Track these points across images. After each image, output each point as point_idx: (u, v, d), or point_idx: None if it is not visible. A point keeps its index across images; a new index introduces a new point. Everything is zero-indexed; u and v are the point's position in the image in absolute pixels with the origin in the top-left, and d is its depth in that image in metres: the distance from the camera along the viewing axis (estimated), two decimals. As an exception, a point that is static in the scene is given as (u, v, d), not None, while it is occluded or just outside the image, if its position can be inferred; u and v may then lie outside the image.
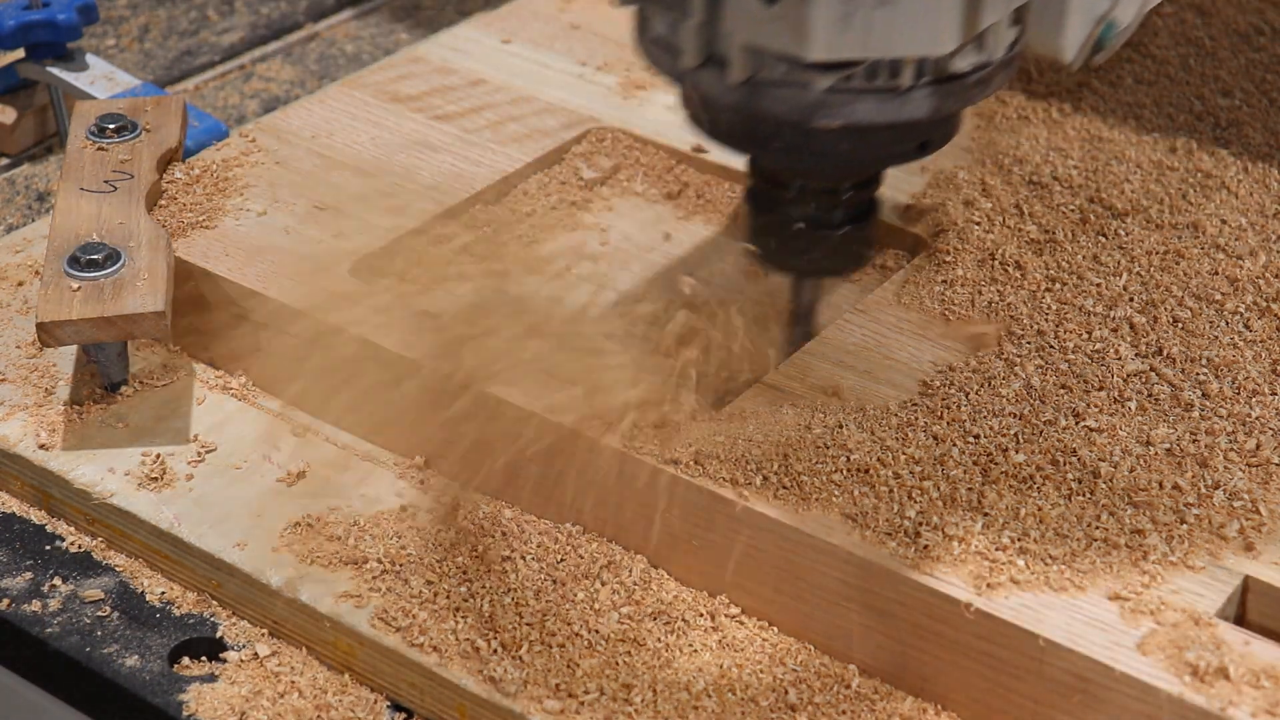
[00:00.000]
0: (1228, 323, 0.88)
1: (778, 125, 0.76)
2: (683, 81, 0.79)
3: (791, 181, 0.82)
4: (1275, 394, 0.84)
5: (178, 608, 0.83)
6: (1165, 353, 0.86)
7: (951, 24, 0.73)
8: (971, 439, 0.81)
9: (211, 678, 0.79)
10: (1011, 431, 0.81)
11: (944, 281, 0.91)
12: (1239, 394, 0.84)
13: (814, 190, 0.82)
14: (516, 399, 0.82)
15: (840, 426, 0.81)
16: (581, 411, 0.81)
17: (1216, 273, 0.91)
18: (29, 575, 0.85)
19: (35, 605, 0.83)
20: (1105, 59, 0.79)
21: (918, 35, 0.72)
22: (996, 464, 0.79)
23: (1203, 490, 0.79)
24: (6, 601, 0.83)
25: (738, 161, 1.03)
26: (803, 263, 0.85)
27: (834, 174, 0.81)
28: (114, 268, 0.89)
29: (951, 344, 0.88)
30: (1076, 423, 0.82)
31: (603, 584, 0.80)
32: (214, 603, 0.84)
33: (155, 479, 0.87)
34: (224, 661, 0.80)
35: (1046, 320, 0.88)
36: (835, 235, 0.83)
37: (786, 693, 0.76)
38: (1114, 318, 0.88)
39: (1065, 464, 0.80)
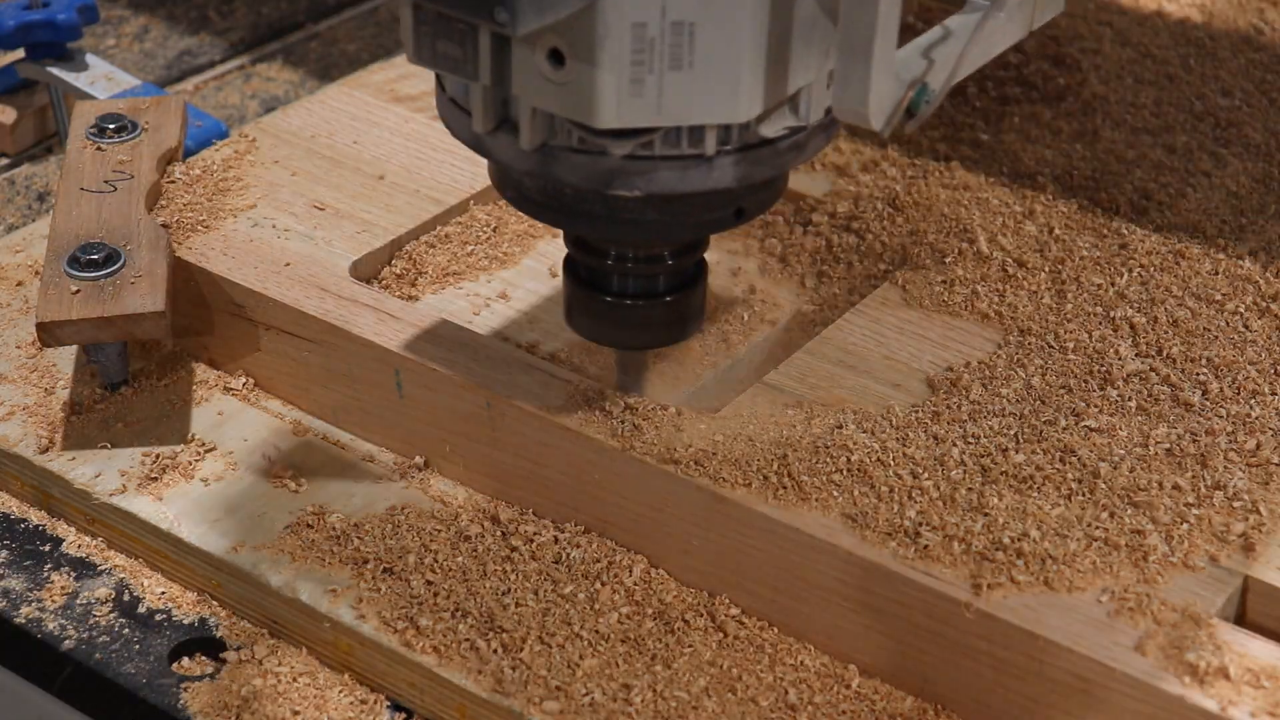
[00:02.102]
0: (1228, 323, 0.88)
1: (578, 193, 0.73)
2: (478, 148, 0.75)
3: (607, 250, 0.78)
4: (1275, 394, 0.84)
5: (178, 608, 0.83)
6: (1165, 353, 0.86)
7: (753, 90, 0.69)
8: (971, 439, 0.81)
9: (211, 677, 0.79)
10: (1011, 431, 0.81)
11: (944, 281, 0.91)
12: (1239, 394, 0.84)
13: (632, 259, 0.78)
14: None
15: (840, 426, 0.81)
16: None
17: (1216, 273, 0.91)
18: (29, 575, 0.85)
19: (35, 605, 0.83)
20: (915, 127, 0.73)
21: (716, 102, 0.69)
22: (996, 464, 0.79)
23: (1203, 490, 0.79)
24: (6, 601, 0.83)
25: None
26: (623, 336, 0.81)
27: (644, 243, 0.77)
28: (114, 268, 0.89)
29: (952, 343, 0.88)
30: (1076, 423, 0.82)
31: (603, 584, 0.80)
32: (214, 603, 0.84)
33: (155, 479, 0.87)
34: (223, 661, 0.80)
35: (1046, 320, 0.88)
36: (658, 305, 0.79)
37: (786, 693, 0.76)
38: (1114, 318, 0.88)
39: (1065, 464, 0.80)
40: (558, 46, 0.68)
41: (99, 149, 0.98)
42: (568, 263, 0.81)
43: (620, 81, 0.68)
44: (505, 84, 0.71)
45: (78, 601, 0.83)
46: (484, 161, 1.03)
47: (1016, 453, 0.80)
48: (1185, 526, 0.77)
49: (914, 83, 0.73)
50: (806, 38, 0.70)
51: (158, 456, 0.88)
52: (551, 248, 0.99)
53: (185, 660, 0.81)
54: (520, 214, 1.00)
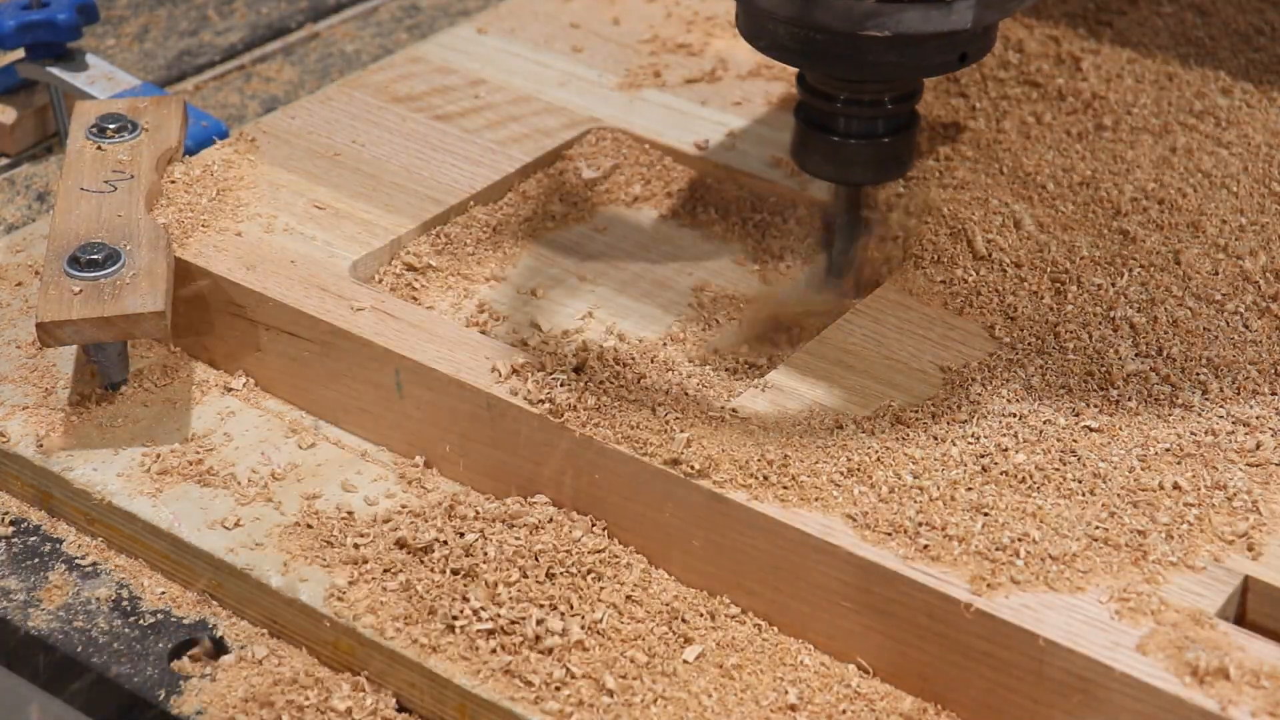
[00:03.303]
0: (1228, 323, 0.88)
1: (830, 37, 0.81)
2: None
3: (838, 94, 0.87)
4: (1275, 394, 0.84)
5: (178, 608, 0.83)
6: (1165, 353, 0.86)
7: None
8: (971, 439, 0.81)
9: (210, 677, 0.79)
10: (1011, 431, 0.81)
11: (944, 281, 0.91)
12: (1239, 394, 0.84)
13: (859, 102, 0.87)
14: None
15: (840, 426, 0.81)
16: None
17: (1216, 273, 0.91)
18: (29, 576, 0.85)
19: (35, 605, 0.83)
20: None
21: None
22: (996, 464, 0.79)
23: (1203, 490, 0.79)
24: (6, 601, 0.83)
25: (738, 160, 1.04)
26: (848, 173, 0.90)
27: (881, 82, 0.86)
28: (114, 268, 0.89)
29: (952, 343, 0.88)
30: (1076, 423, 0.82)
31: (603, 584, 0.80)
32: (214, 603, 0.84)
33: (155, 479, 0.87)
34: (223, 661, 0.80)
35: (1046, 320, 0.88)
36: (880, 144, 0.88)
37: (786, 693, 0.76)
38: (1114, 318, 0.88)
39: (1065, 464, 0.80)
40: None
41: (99, 149, 0.98)
42: (799, 108, 0.91)
43: None
44: None
45: (78, 602, 0.83)
46: (483, 161, 1.04)
47: (1016, 453, 0.80)
48: (1185, 526, 0.77)
49: None
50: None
51: (158, 456, 0.88)
52: (551, 248, 0.99)
53: (185, 660, 0.81)
54: (520, 214, 1.00)
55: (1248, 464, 0.80)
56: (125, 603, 0.83)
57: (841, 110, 0.88)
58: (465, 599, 0.79)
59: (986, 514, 0.77)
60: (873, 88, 0.87)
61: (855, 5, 0.79)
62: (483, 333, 0.91)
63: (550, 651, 0.77)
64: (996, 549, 0.75)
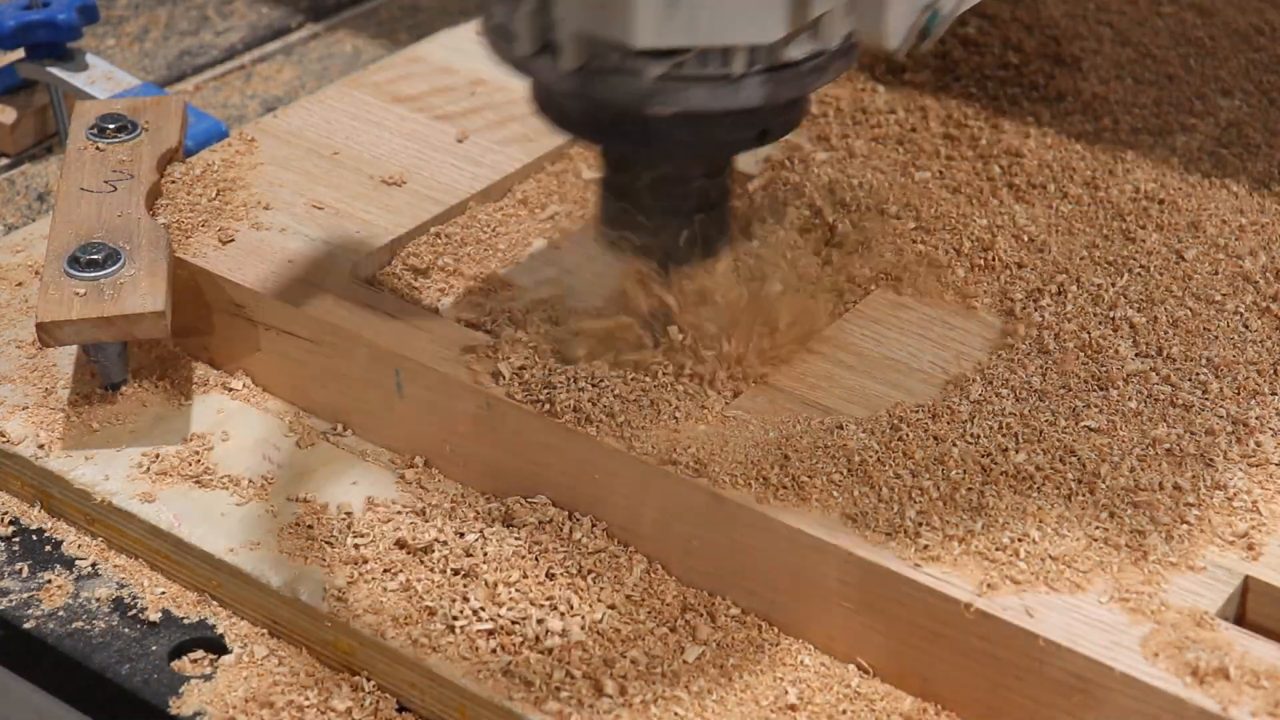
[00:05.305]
0: (1228, 323, 0.88)
1: (615, 113, 0.78)
2: (521, 70, 0.80)
3: (640, 171, 0.84)
4: (1275, 394, 0.84)
5: (178, 608, 0.83)
6: (1165, 353, 0.86)
7: (779, 12, 0.74)
8: (971, 439, 0.81)
9: (210, 677, 0.79)
10: (1011, 431, 0.81)
11: (944, 281, 0.91)
12: (1239, 394, 0.84)
13: (663, 179, 0.83)
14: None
15: (840, 427, 0.81)
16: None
17: (1216, 273, 0.91)
18: (29, 575, 0.85)
19: (35, 605, 0.83)
20: (929, 46, 0.81)
21: (745, 23, 0.74)
22: (996, 464, 0.79)
23: (1203, 490, 0.79)
24: (6, 601, 0.83)
25: (740, 162, 1.03)
26: (653, 250, 0.86)
27: (675, 162, 0.83)
28: (114, 268, 0.89)
29: (952, 343, 0.88)
30: (1076, 423, 0.82)
31: (603, 584, 0.80)
32: (214, 603, 0.84)
33: (155, 479, 0.87)
34: (223, 661, 0.80)
35: (1046, 320, 0.88)
36: (686, 223, 0.84)
37: (786, 693, 0.76)
38: (1114, 318, 0.88)
39: (1065, 464, 0.80)
40: None
41: (99, 149, 0.98)
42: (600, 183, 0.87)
43: (656, 2, 0.73)
44: (548, 7, 0.76)
45: (78, 602, 0.83)
46: (482, 160, 1.04)
47: (1016, 453, 0.80)
48: (1185, 526, 0.77)
49: (927, 7, 0.79)
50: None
51: (158, 456, 0.88)
52: (551, 248, 0.99)
53: (185, 660, 0.81)
54: (519, 214, 1.00)
55: (1248, 464, 0.80)
56: (125, 603, 0.83)
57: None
58: (465, 599, 0.79)
59: (986, 514, 0.77)
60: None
61: (637, 81, 0.76)
62: (483, 332, 0.91)
63: (550, 651, 0.77)
64: (996, 549, 0.75)
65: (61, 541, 0.87)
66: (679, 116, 0.77)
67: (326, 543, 0.83)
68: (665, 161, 0.83)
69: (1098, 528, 0.76)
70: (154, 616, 0.83)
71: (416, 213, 0.98)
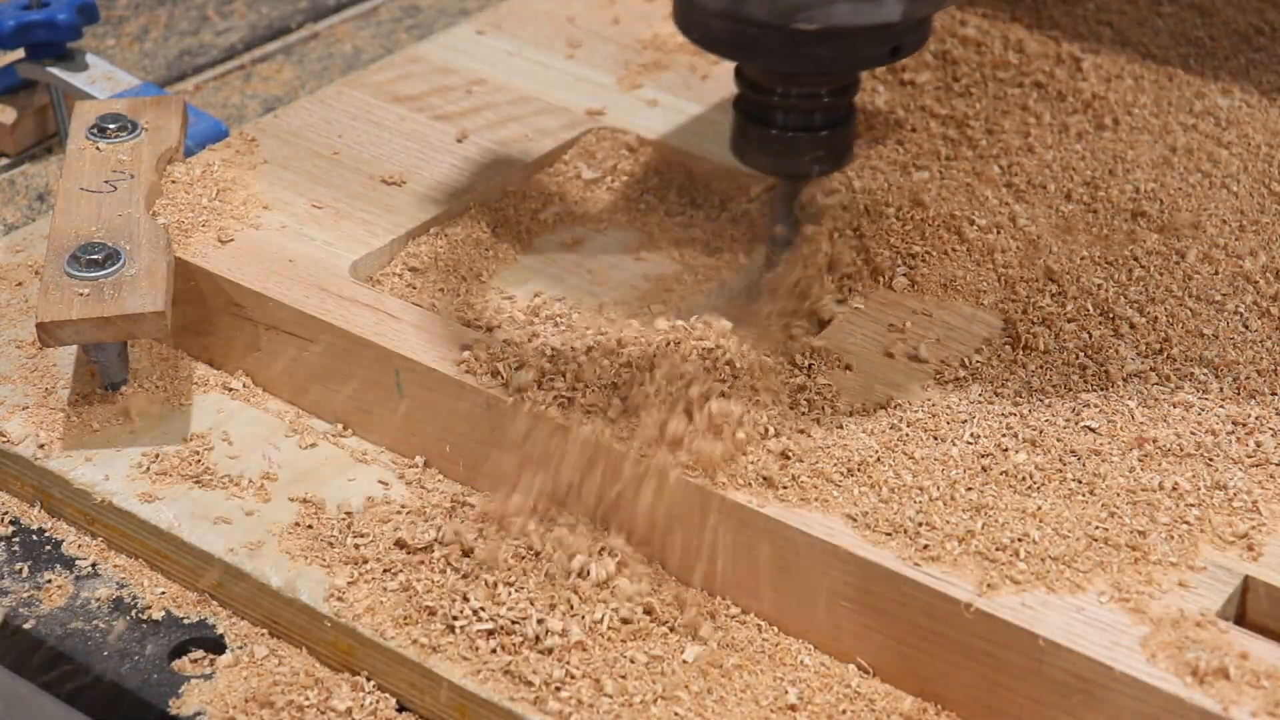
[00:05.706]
0: (1228, 323, 0.88)
1: (759, 29, 0.81)
2: None
3: (774, 87, 0.86)
4: (1275, 394, 0.84)
5: (177, 608, 0.83)
6: (1165, 353, 0.86)
7: None
8: (971, 439, 0.81)
9: (210, 677, 0.79)
10: (1011, 431, 0.81)
11: (943, 281, 0.91)
12: (1239, 394, 0.84)
13: (796, 95, 0.86)
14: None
15: (840, 426, 0.81)
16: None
17: (1216, 273, 0.91)
18: (29, 575, 0.85)
19: (35, 605, 0.83)
20: None
21: None
22: (996, 464, 0.79)
23: (1203, 490, 0.79)
24: (6, 601, 0.83)
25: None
26: (786, 165, 0.89)
27: (813, 76, 0.85)
28: (114, 268, 0.89)
29: (952, 343, 0.88)
30: (1076, 423, 0.82)
31: (603, 584, 0.80)
32: (214, 603, 0.84)
33: (155, 479, 0.87)
34: (223, 661, 0.80)
35: (1046, 320, 0.88)
36: (817, 138, 0.87)
37: (786, 693, 0.76)
38: (1114, 318, 0.88)
39: (1065, 464, 0.80)
40: None
41: (99, 149, 0.98)
42: (737, 100, 0.89)
43: None
44: None
45: (77, 602, 0.83)
46: (481, 160, 1.04)
47: (1016, 453, 0.80)
48: (1185, 526, 0.77)
49: None
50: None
51: (157, 456, 0.88)
52: (550, 246, 0.99)
53: (185, 660, 0.81)
54: (519, 214, 1.00)
55: (1248, 464, 0.80)
56: (125, 603, 0.83)
57: (779, 103, 0.88)
58: (465, 599, 0.79)
59: (986, 514, 0.77)
60: (808, 80, 0.87)
61: None
62: (483, 332, 0.91)
63: (550, 652, 0.77)
64: (996, 549, 0.75)
65: (61, 541, 0.87)
66: (821, 32, 0.80)
67: (327, 543, 0.83)
68: (804, 78, 0.85)
69: (1098, 528, 0.76)
70: (154, 616, 0.83)
71: (416, 213, 0.98)
